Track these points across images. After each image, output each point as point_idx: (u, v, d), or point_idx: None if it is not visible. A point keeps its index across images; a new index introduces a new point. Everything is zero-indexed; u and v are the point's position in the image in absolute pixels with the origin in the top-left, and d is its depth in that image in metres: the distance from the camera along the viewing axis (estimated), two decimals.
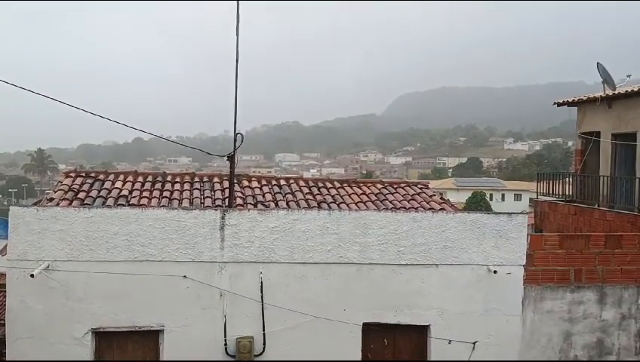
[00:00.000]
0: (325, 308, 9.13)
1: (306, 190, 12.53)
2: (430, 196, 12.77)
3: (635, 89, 13.52)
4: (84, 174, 12.46)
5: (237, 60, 9.48)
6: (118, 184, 11.94)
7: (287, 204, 11.54)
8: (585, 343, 9.52)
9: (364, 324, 9.26)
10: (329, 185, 13.24)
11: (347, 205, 11.65)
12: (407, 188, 13.33)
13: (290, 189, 12.52)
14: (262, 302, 9.01)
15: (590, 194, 14.52)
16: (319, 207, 11.27)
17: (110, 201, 10.88)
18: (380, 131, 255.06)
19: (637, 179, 12.69)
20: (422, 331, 9.41)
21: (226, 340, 8.98)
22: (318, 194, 12.38)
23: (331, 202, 11.88)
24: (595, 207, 13.80)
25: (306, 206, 11.29)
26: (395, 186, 13.41)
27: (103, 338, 8.92)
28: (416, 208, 11.49)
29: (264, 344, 9.02)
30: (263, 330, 9.02)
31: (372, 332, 9.34)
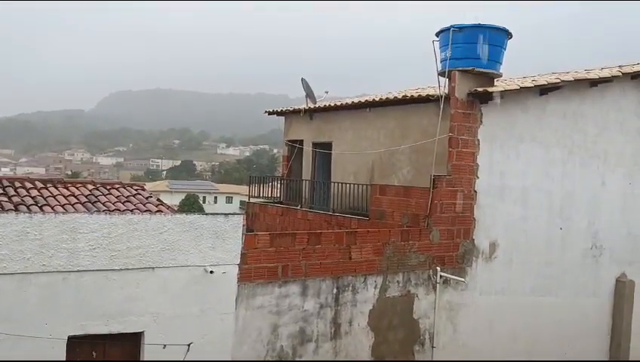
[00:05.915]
0: (23, 323, 8.00)
1: None
2: (147, 198, 12.37)
3: (331, 104, 15.46)
4: None
5: None
6: None
7: None
8: (289, 333, 10.37)
9: (69, 338, 8.40)
10: (29, 185, 11.73)
11: (52, 208, 10.48)
12: (122, 189, 12.68)
13: None
14: None
15: (295, 196, 16.01)
16: (17, 209, 9.88)
17: None
18: (88, 129, 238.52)
19: (332, 183, 14.47)
20: (135, 338, 8.99)
21: None
22: (14, 195, 10.85)
23: (32, 204, 10.54)
24: (299, 208, 15.27)
25: (0, 208, 9.77)
26: (108, 188, 12.61)
27: None
28: (132, 210, 10.98)
29: None
30: None
31: (79, 345, 8.54)
